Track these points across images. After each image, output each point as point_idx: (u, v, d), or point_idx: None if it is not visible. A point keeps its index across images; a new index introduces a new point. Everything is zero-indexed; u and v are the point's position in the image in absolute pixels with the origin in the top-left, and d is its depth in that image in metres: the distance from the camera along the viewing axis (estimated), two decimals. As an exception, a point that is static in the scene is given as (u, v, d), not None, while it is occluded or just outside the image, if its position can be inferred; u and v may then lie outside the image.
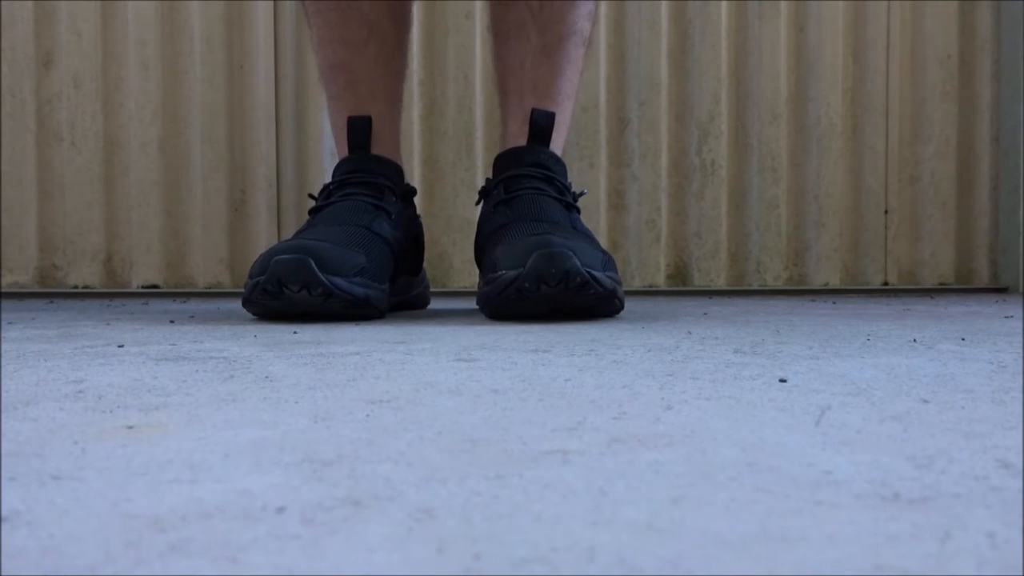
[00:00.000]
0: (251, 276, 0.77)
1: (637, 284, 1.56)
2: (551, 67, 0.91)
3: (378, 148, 0.92)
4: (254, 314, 0.80)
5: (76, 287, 1.51)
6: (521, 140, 0.90)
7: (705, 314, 0.92)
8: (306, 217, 0.91)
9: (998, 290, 1.62)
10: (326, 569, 0.17)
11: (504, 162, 0.90)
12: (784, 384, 0.39)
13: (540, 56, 0.91)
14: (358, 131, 0.91)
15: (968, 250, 1.64)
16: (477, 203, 0.93)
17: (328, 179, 0.93)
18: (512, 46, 0.91)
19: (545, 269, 0.71)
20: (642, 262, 1.57)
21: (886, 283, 1.61)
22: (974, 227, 1.64)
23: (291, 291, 0.73)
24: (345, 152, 0.92)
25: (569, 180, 0.91)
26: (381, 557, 0.17)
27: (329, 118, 0.98)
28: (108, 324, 0.78)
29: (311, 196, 0.93)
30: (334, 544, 0.18)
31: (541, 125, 0.89)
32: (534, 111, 0.89)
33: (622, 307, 0.82)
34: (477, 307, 0.82)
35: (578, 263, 0.71)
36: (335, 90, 0.94)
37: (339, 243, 0.79)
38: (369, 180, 0.89)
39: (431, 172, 1.54)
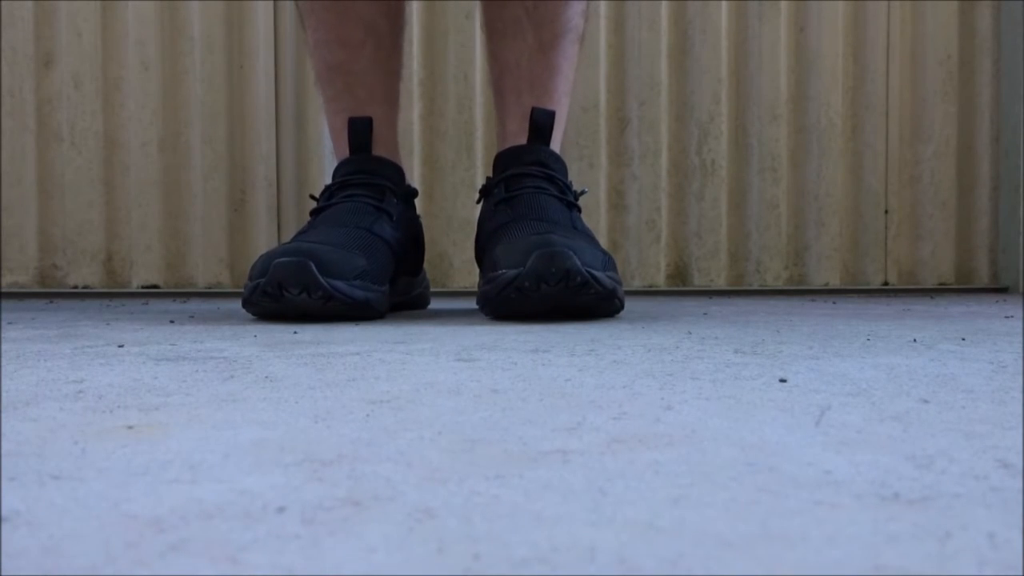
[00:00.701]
0: (251, 278, 0.77)
1: (637, 284, 1.56)
2: (547, 65, 0.91)
3: (378, 149, 0.92)
4: (254, 315, 0.80)
5: (76, 287, 1.51)
6: (521, 139, 0.90)
7: (705, 314, 0.92)
8: (306, 217, 0.91)
9: (998, 290, 1.62)
10: (326, 569, 0.17)
11: (505, 161, 0.90)
12: (784, 384, 0.39)
13: (537, 54, 0.91)
14: (359, 132, 0.90)
15: (968, 250, 1.64)
16: (478, 202, 0.93)
17: (328, 179, 0.93)
18: (508, 45, 0.91)
19: (545, 268, 0.71)
20: (642, 262, 1.57)
21: (886, 283, 1.61)
22: (974, 227, 1.64)
23: (291, 294, 0.73)
24: (345, 153, 0.92)
25: (570, 179, 0.91)
26: (381, 557, 0.17)
27: (326, 120, 0.97)
28: (108, 324, 0.78)
29: (312, 197, 0.93)
30: (334, 544, 0.18)
31: (541, 124, 0.89)
32: (534, 110, 0.89)
33: (622, 307, 0.82)
34: (477, 307, 0.82)
35: (578, 262, 0.71)
36: (332, 92, 0.94)
37: (340, 246, 0.79)
38: (370, 181, 0.89)
39: (431, 172, 1.54)
